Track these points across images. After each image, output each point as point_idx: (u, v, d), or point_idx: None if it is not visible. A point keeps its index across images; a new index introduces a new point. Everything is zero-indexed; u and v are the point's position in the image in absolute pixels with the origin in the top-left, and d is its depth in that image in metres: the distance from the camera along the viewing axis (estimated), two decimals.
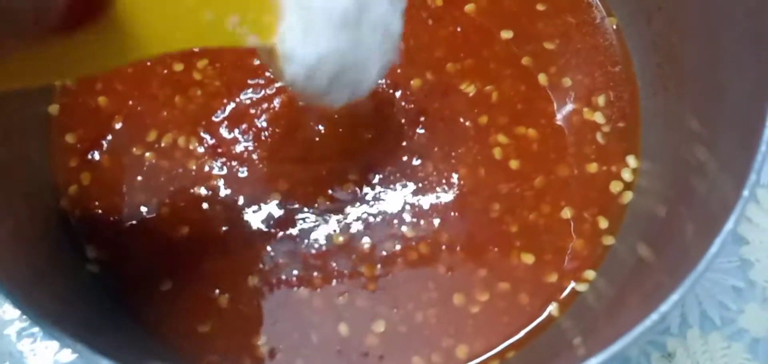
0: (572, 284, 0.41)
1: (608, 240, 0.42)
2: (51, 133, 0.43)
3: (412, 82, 0.45)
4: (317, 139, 0.43)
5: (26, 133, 0.42)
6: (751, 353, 0.45)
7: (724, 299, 0.46)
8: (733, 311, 0.46)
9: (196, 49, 0.45)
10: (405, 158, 0.43)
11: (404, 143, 0.43)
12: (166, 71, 0.45)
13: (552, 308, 0.41)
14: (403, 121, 0.44)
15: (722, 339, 0.45)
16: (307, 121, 0.43)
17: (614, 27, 0.47)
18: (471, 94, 0.45)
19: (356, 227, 0.42)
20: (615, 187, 0.43)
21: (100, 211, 0.42)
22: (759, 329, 0.45)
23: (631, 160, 0.44)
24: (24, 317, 0.42)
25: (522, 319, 0.40)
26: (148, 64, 0.45)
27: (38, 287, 0.33)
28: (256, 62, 0.45)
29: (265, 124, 0.44)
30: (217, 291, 0.41)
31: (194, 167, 0.43)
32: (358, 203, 0.42)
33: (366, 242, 0.42)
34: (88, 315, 0.38)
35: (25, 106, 0.42)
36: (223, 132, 0.44)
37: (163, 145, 0.43)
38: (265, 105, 0.44)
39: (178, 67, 0.45)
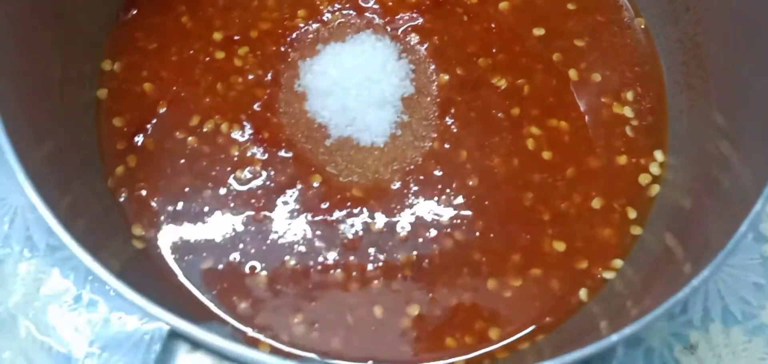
0: (601, 272, 0.42)
1: (636, 230, 0.44)
2: (100, 117, 0.45)
3: (441, 75, 0.46)
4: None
5: (78, 117, 0.44)
6: None
7: (746, 294, 0.47)
8: (755, 306, 0.47)
9: (236, 38, 0.47)
10: (436, 146, 0.45)
11: (436, 133, 0.45)
12: (208, 59, 0.46)
13: (582, 294, 0.42)
14: (435, 112, 0.45)
15: (743, 333, 0.46)
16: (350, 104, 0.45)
17: (642, 27, 0.48)
18: (503, 88, 0.46)
19: (394, 214, 0.43)
20: (643, 179, 0.44)
21: (145, 192, 0.44)
22: None
23: (659, 154, 0.45)
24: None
25: (553, 304, 0.42)
26: (191, 52, 0.47)
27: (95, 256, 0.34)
28: (296, 52, 0.46)
29: (302, 109, 0.45)
30: (257, 270, 0.42)
31: (236, 153, 0.44)
32: (396, 193, 0.44)
33: (402, 229, 0.43)
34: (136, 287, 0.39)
35: (76, 91, 0.44)
36: (264, 119, 0.45)
37: (205, 130, 0.45)
38: (302, 94, 0.46)
39: (220, 55, 0.46)
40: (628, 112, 0.46)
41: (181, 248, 0.42)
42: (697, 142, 0.44)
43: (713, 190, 0.40)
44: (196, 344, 0.27)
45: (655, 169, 0.45)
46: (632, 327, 0.32)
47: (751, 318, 0.46)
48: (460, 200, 0.44)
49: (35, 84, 0.41)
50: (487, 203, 0.43)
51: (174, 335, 0.28)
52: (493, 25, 0.47)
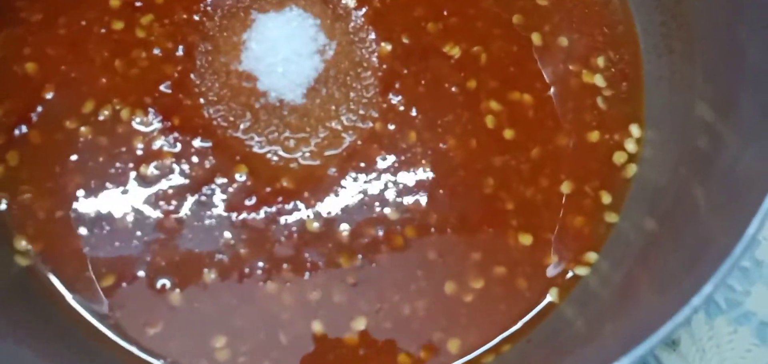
0: (573, 267, 0.37)
1: (612, 217, 0.38)
2: None
3: (382, 44, 0.40)
4: (284, 110, 0.38)
5: None
6: (758, 338, 0.42)
7: (729, 279, 0.42)
8: (739, 292, 0.43)
9: (138, 4, 0.39)
10: (379, 127, 0.38)
11: (377, 112, 0.38)
12: (104, 31, 0.39)
13: (552, 294, 0.37)
14: (376, 87, 0.39)
15: (728, 324, 0.42)
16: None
17: None
18: (456, 57, 0.40)
19: (332, 210, 0.37)
20: (618, 158, 0.39)
21: (29, 196, 0.36)
22: (767, 312, 0.42)
23: (635, 129, 0.40)
24: None
25: (520, 307, 0.36)
26: (83, 23, 0.39)
27: None
28: (213, 21, 0.39)
29: (221, 90, 0.38)
30: (169, 287, 0.35)
31: (140, 144, 0.37)
32: (333, 183, 0.37)
33: (344, 228, 0.37)
34: (19, 316, 0.32)
35: None
36: (175, 102, 0.38)
37: (101, 118, 0.37)
38: (223, 71, 0.38)
39: (118, 24, 0.39)
40: (599, 80, 0.40)
41: (75, 264, 0.35)
42: (679, 114, 0.38)
43: (703, 170, 0.35)
44: None
45: (631, 146, 0.39)
46: (635, 352, 0.26)
47: (736, 306, 0.42)
48: (410, 189, 0.37)
49: None
50: (441, 192, 0.37)
51: None
52: None
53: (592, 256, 0.37)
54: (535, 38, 0.41)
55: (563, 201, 0.38)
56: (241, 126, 0.38)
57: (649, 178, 0.38)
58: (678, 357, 0.42)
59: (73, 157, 0.37)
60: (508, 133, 0.39)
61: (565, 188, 0.38)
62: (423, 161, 0.38)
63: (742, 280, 0.43)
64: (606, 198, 0.38)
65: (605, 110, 0.40)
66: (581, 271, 0.37)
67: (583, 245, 0.37)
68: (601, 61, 0.41)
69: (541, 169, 0.38)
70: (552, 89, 0.40)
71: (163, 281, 0.35)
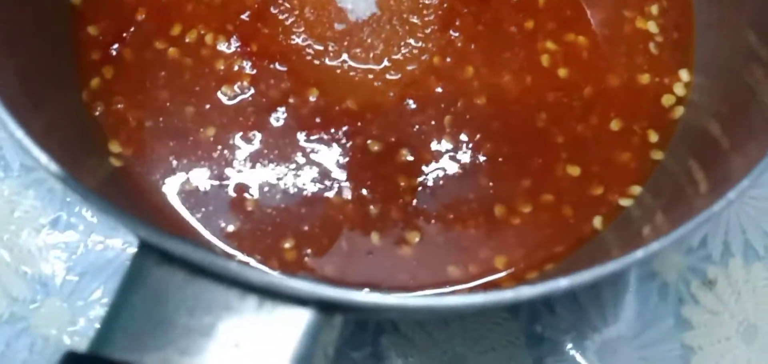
0: (618, 198, 0.39)
1: (657, 155, 0.40)
2: (74, 25, 0.41)
3: None
4: (350, 35, 0.41)
5: (50, 25, 0.40)
6: None
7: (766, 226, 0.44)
8: None
9: None
10: (437, 60, 0.41)
11: (436, 47, 0.41)
12: None
13: (596, 222, 0.39)
14: (436, 24, 0.42)
15: (765, 269, 0.44)
16: (342, 15, 0.41)
17: None
18: None
19: (393, 135, 0.40)
20: (667, 100, 0.41)
21: (122, 106, 0.40)
22: None
23: (684, 74, 0.41)
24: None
25: (564, 231, 0.38)
26: None
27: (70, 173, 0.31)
28: None
29: (297, 19, 0.41)
30: (245, 192, 0.39)
31: (222, 66, 0.41)
32: (393, 108, 0.40)
33: (404, 152, 0.40)
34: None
35: None
36: (253, 30, 0.41)
37: (187, 41, 0.41)
38: (297, 4, 0.42)
39: None
40: (652, 27, 0.42)
41: (162, 168, 0.39)
42: (726, 63, 0.40)
43: (742, 116, 0.37)
44: (170, 259, 0.24)
45: (679, 89, 0.41)
46: (647, 249, 0.29)
47: None
48: (465, 119, 0.40)
49: None
50: (495, 123, 0.40)
51: (146, 249, 0.25)
52: None
53: (636, 189, 0.39)
54: None
55: (612, 138, 0.40)
56: (312, 51, 0.41)
57: (695, 121, 0.40)
58: (714, 297, 0.43)
59: (162, 74, 0.40)
60: (562, 72, 0.41)
61: (615, 125, 0.40)
62: (479, 94, 0.40)
63: None
64: (653, 137, 0.40)
65: (656, 55, 0.41)
66: (625, 202, 0.39)
67: (628, 179, 0.39)
68: (654, 9, 0.42)
69: (592, 108, 0.40)
70: (606, 33, 0.42)
71: (240, 185, 0.39)
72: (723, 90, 0.40)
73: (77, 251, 0.43)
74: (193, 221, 0.38)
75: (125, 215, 0.26)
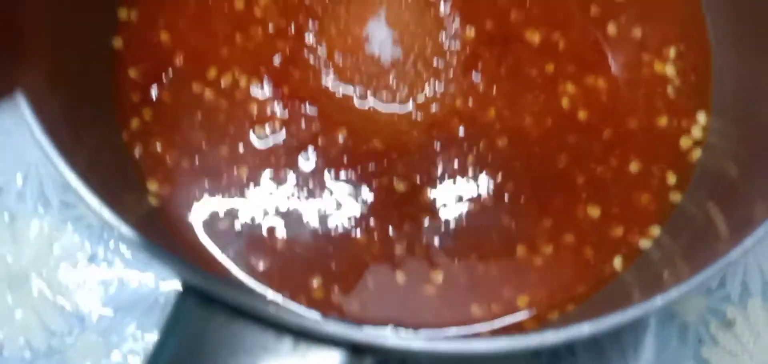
0: (637, 240, 0.40)
1: (676, 197, 0.41)
2: (115, 67, 0.43)
3: (467, 29, 0.44)
4: (377, 78, 0.43)
5: (93, 67, 0.42)
6: None
7: None
8: None
9: None
10: (460, 103, 0.42)
11: (459, 89, 0.42)
12: (227, 8, 0.44)
13: (616, 263, 0.40)
14: (460, 67, 0.43)
15: None
16: (369, 59, 0.43)
17: None
18: (536, 43, 0.43)
19: (418, 174, 0.41)
20: (685, 142, 0.42)
21: (160, 146, 0.42)
22: None
23: (702, 116, 0.42)
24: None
25: (585, 272, 0.40)
26: (210, 1, 0.44)
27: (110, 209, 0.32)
28: (321, 4, 0.44)
29: (326, 63, 0.43)
30: (275, 230, 0.40)
31: (255, 108, 0.43)
32: (417, 148, 0.42)
33: (428, 191, 0.41)
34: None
35: (92, 40, 0.42)
36: (285, 73, 0.43)
37: (223, 84, 0.43)
38: (327, 48, 0.43)
39: (239, 4, 0.44)
40: (669, 70, 0.43)
41: (197, 206, 0.41)
42: (744, 105, 0.41)
43: (760, 159, 0.37)
44: (211, 301, 0.26)
45: (697, 132, 0.42)
46: (667, 296, 0.30)
47: None
48: (488, 160, 0.41)
49: (51, 35, 0.39)
50: (517, 164, 0.41)
51: (188, 291, 0.27)
52: None
53: (656, 230, 0.40)
54: (611, 28, 0.44)
55: (631, 179, 0.41)
56: (341, 94, 0.43)
57: (713, 163, 0.41)
58: (733, 337, 0.44)
59: (198, 115, 0.42)
60: (582, 115, 0.42)
61: (634, 167, 0.41)
62: (501, 135, 0.42)
63: None
64: (671, 178, 0.41)
65: (674, 98, 0.43)
66: (645, 243, 0.40)
67: (648, 220, 0.40)
68: (672, 52, 0.43)
69: (611, 149, 0.41)
70: (625, 76, 0.43)
71: (271, 224, 0.40)
72: (741, 133, 0.41)
73: (112, 286, 0.45)
74: (224, 259, 0.40)
75: (171, 257, 0.27)
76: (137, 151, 0.42)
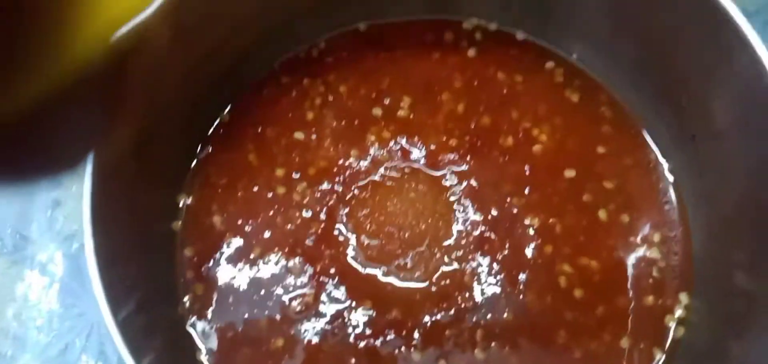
0: None
1: None
2: (174, 247, 0.51)
3: (476, 214, 0.50)
4: (398, 258, 0.49)
5: (155, 247, 0.49)
6: None
7: None
8: None
9: (296, 175, 0.52)
10: (468, 279, 0.48)
11: (467, 267, 0.49)
12: (270, 194, 0.52)
13: None
14: (470, 248, 0.49)
15: None
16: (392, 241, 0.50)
17: (669, 172, 0.51)
18: (536, 226, 0.50)
19: (432, 344, 0.47)
20: (669, 321, 0.47)
21: (210, 317, 0.49)
22: None
23: (684, 297, 0.48)
24: None
25: None
26: (256, 189, 0.52)
27: None
28: (350, 191, 0.51)
29: (354, 243, 0.50)
30: None
31: (291, 283, 0.49)
32: (433, 321, 0.48)
33: (440, 361, 0.47)
34: None
35: (155, 223, 0.49)
36: (318, 251, 0.50)
37: (264, 262, 0.50)
38: (355, 229, 0.50)
39: (281, 190, 0.52)
40: (655, 253, 0.49)
41: None
42: (720, 289, 0.46)
43: (738, 341, 0.42)
44: None
45: (680, 311, 0.47)
46: None
47: None
48: (495, 333, 0.47)
49: (120, 213, 0.46)
50: (521, 339, 0.47)
51: None
52: (526, 167, 0.52)
53: None
54: (602, 214, 0.50)
55: (622, 354, 0.46)
56: (367, 271, 0.49)
57: (694, 340, 0.46)
58: None
59: (242, 291, 0.49)
60: (578, 293, 0.48)
61: (624, 342, 0.47)
62: (505, 310, 0.48)
63: None
64: (658, 354, 0.46)
65: (659, 279, 0.48)
66: None
67: None
68: (656, 237, 0.49)
69: (604, 326, 0.47)
70: (615, 258, 0.49)
71: None
72: (720, 313, 0.46)
73: None
74: None
75: None
76: (191, 323, 0.48)
